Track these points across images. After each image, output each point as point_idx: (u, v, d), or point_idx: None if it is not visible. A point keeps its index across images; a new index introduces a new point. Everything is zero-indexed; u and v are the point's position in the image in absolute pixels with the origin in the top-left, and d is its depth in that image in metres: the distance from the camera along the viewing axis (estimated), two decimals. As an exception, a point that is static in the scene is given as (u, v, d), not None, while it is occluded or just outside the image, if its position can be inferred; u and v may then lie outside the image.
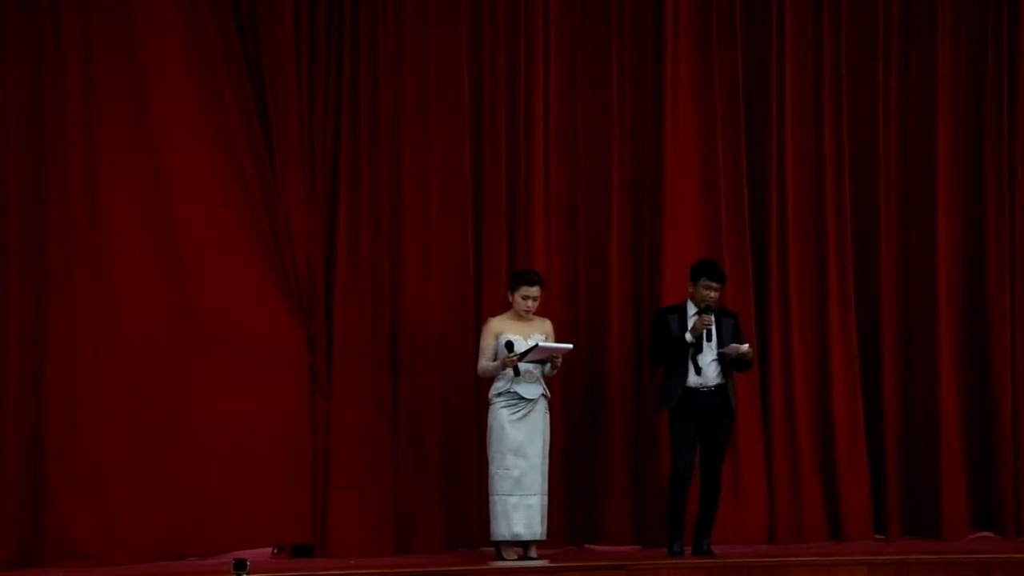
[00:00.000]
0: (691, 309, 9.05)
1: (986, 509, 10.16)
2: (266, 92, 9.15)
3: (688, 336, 8.94)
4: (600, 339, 9.67)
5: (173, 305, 8.92)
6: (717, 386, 9.00)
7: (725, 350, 8.94)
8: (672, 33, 9.93)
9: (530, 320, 8.93)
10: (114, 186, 8.84)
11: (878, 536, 9.95)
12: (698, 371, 8.96)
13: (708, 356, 9.00)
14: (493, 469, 8.77)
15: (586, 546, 9.54)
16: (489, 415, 8.85)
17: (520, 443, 8.74)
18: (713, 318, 8.95)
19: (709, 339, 8.97)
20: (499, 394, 8.80)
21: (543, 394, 8.86)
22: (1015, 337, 10.25)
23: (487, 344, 8.89)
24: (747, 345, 9.03)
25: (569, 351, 8.92)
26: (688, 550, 9.05)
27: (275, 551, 9.27)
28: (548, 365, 8.87)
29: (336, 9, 9.38)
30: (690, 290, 9.09)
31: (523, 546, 8.83)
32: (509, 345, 8.73)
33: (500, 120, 9.69)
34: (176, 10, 9.00)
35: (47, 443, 8.63)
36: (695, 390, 8.97)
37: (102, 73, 8.86)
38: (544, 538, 8.85)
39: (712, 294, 8.98)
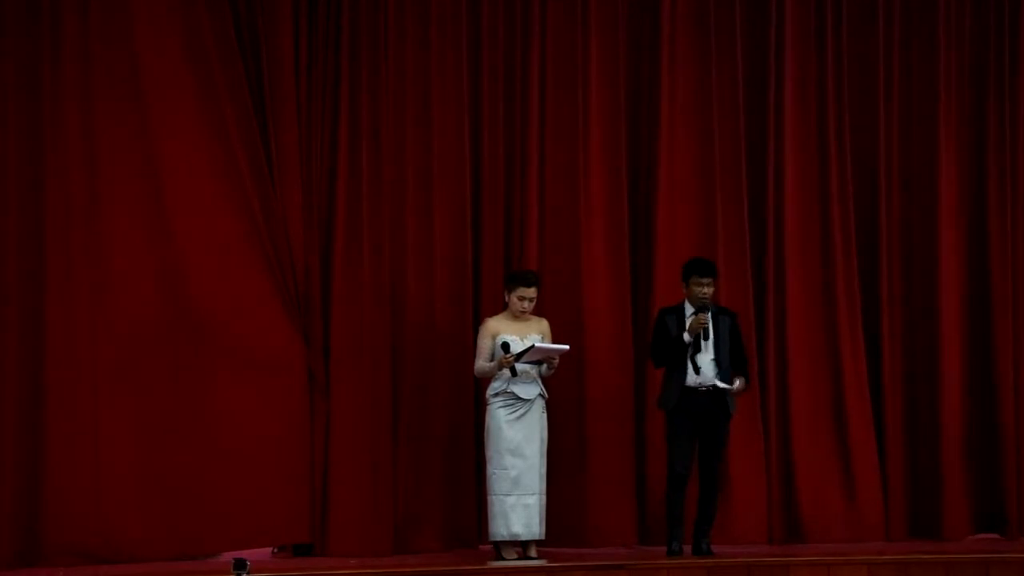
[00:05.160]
0: (688, 309, 9.05)
1: (989, 510, 10.16)
2: (264, 92, 9.16)
3: (686, 336, 8.95)
4: (597, 338, 9.66)
5: (171, 307, 8.94)
6: (714, 386, 9.00)
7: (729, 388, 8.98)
8: (670, 31, 9.94)
9: (527, 320, 8.94)
10: (112, 188, 8.86)
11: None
12: (696, 371, 8.97)
13: (706, 356, 9.00)
14: (491, 469, 8.78)
15: (586, 546, 9.52)
16: (487, 415, 8.86)
17: (518, 443, 8.75)
18: (709, 316, 8.96)
19: (707, 337, 8.98)
20: (496, 394, 8.81)
21: (540, 394, 8.87)
22: (1017, 337, 10.25)
23: (484, 344, 8.90)
24: (738, 382, 9.02)
25: (566, 352, 8.93)
26: (688, 549, 9.05)
27: (275, 551, 9.29)
28: (545, 365, 8.88)
29: (335, 8, 9.39)
30: (684, 291, 9.10)
31: (522, 546, 8.84)
32: (505, 346, 8.74)
33: (499, 121, 9.70)
34: (174, 11, 9.02)
35: (47, 443, 8.66)
36: (693, 389, 8.98)
37: (101, 75, 8.88)
38: (543, 538, 8.85)
39: (705, 290, 8.99)
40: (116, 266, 8.86)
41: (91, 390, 8.76)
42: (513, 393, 8.79)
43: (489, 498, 8.80)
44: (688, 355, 8.97)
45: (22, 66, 8.77)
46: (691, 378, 8.98)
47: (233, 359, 9.02)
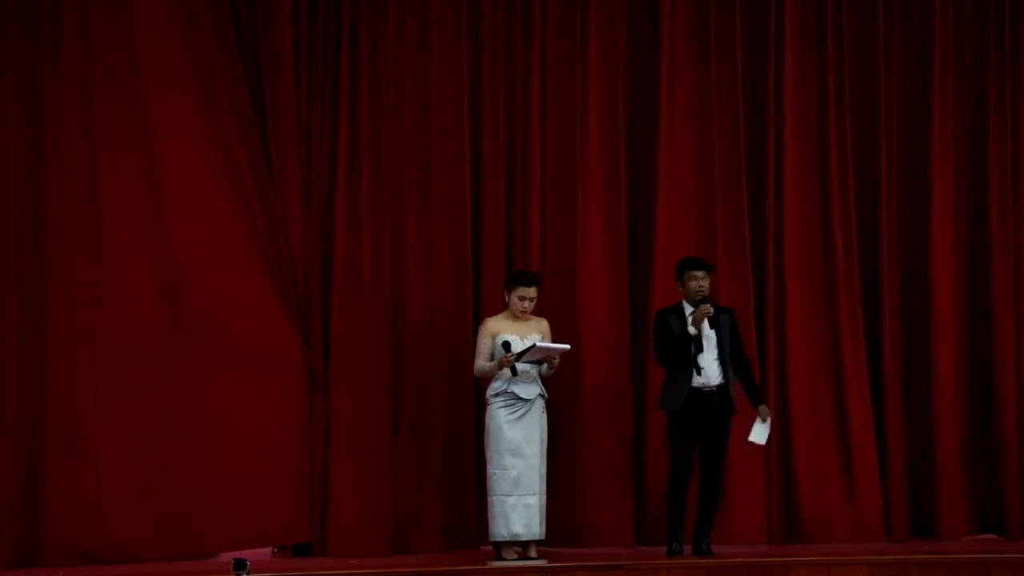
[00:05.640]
0: (687, 308, 9.05)
1: (989, 510, 10.16)
2: (264, 92, 9.16)
3: (691, 329, 8.94)
4: (597, 338, 9.66)
5: (170, 307, 8.92)
6: (719, 386, 9.00)
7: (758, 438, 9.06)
8: (669, 29, 9.95)
9: (527, 320, 8.94)
10: (112, 188, 8.86)
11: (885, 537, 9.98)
12: (699, 371, 8.96)
13: (709, 355, 9.00)
14: (491, 469, 8.78)
15: (585, 546, 9.51)
16: (487, 415, 8.86)
17: (518, 443, 8.75)
18: (711, 307, 8.95)
19: (712, 326, 8.96)
20: (496, 394, 8.81)
21: (540, 394, 8.87)
22: (1019, 337, 10.25)
23: (484, 344, 8.90)
24: (767, 426, 9.08)
25: (567, 351, 8.93)
26: (688, 550, 9.05)
27: (275, 550, 9.29)
28: (545, 365, 8.88)
29: (334, 9, 9.39)
30: (680, 289, 9.10)
31: (522, 546, 8.84)
32: (506, 345, 8.75)
33: (499, 121, 9.70)
34: (174, 12, 9.02)
35: (47, 443, 8.65)
36: (697, 390, 8.97)
37: (101, 75, 8.89)
38: (543, 538, 8.85)
39: (701, 283, 9.00)
40: (116, 266, 8.86)
41: (91, 390, 8.76)
42: (513, 393, 8.79)
43: (489, 498, 8.79)
44: (691, 356, 8.96)
45: (22, 66, 8.77)
46: (695, 379, 8.97)
47: (233, 359, 9.02)
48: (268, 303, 9.14)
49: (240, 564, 7.34)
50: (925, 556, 9.10)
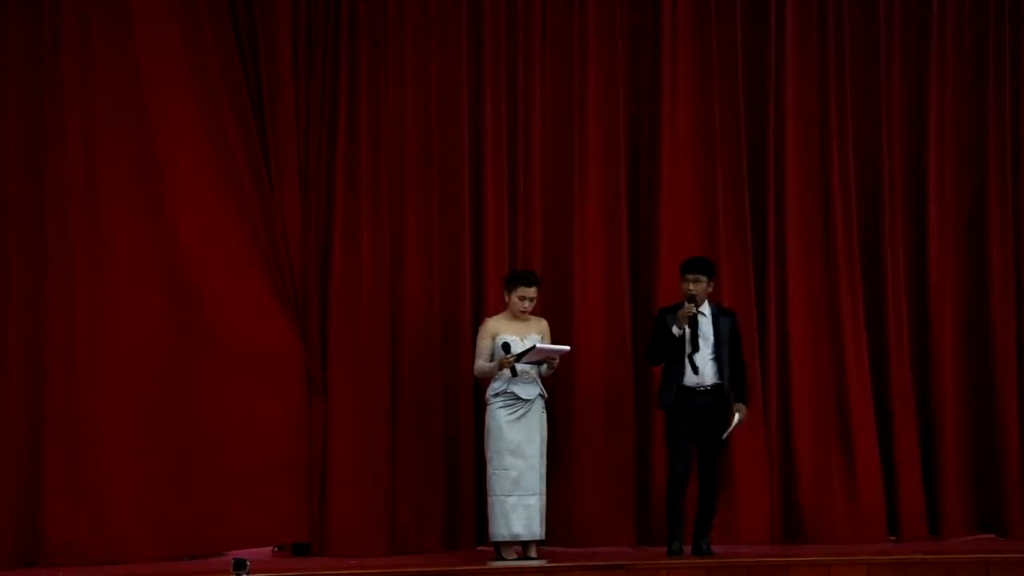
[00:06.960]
0: (687, 308, 9.08)
1: (989, 510, 10.15)
2: (263, 92, 9.16)
3: (675, 330, 8.93)
4: (597, 337, 9.66)
5: (170, 308, 8.93)
6: (714, 385, 8.99)
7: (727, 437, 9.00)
8: (670, 29, 9.95)
9: (526, 320, 8.94)
10: (111, 189, 8.86)
11: (891, 537, 9.98)
12: (695, 370, 8.96)
13: (705, 355, 8.99)
14: (491, 469, 8.78)
15: (586, 546, 9.52)
16: (487, 415, 8.86)
17: (518, 443, 8.75)
18: (694, 307, 8.92)
19: (693, 326, 8.91)
20: (496, 394, 8.81)
21: (540, 394, 8.87)
22: (1020, 336, 10.26)
23: (484, 344, 8.90)
24: (736, 416, 9.00)
25: (567, 353, 8.93)
26: (688, 550, 9.04)
27: (275, 550, 9.29)
28: (545, 366, 8.88)
29: (333, 8, 9.39)
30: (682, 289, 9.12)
31: (522, 546, 8.84)
32: (506, 346, 8.75)
33: (501, 119, 9.71)
34: (174, 12, 9.03)
35: (47, 443, 8.65)
36: (691, 389, 8.97)
37: (100, 75, 8.89)
38: (543, 538, 8.85)
39: (691, 287, 8.98)
40: (115, 266, 8.86)
41: (91, 390, 8.76)
42: (513, 393, 8.79)
43: (490, 499, 8.80)
44: (686, 355, 8.95)
45: (22, 66, 8.77)
46: (689, 378, 8.97)
47: (232, 359, 9.01)
48: (266, 303, 9.14)
49: (240, 564, 7.34)
50: (925, 556, 9.09)
